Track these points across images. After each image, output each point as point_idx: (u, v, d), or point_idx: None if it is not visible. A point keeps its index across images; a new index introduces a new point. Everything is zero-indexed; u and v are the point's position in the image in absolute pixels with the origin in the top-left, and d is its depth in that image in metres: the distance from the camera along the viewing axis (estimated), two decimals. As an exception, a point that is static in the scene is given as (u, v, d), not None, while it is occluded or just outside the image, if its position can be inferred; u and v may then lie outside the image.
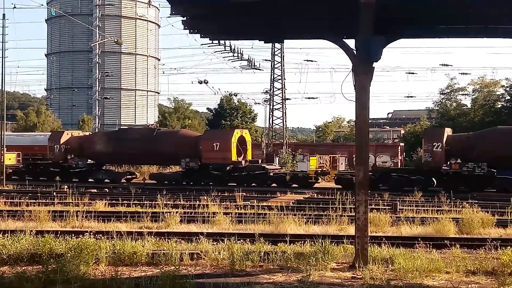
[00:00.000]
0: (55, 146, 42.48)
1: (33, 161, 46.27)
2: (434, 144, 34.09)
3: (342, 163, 41.51)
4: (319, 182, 38.57)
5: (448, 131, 35.87)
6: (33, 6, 62.70)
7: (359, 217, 11.84)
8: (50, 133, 48.82)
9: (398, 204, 23.49)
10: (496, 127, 37.51)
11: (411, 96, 69.01)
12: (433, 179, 34.13)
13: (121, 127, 46.92)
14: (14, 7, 48.22)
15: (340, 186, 34.92)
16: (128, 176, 43.35)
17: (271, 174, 38.40)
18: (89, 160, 42.77)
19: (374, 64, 12.02)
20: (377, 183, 34.30)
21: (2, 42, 39.88)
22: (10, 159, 43.75)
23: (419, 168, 36.02)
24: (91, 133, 51.14)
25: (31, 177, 40.60)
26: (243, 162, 38.68)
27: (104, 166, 43.56)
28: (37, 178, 41.29)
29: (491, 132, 35.76)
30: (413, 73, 65.60)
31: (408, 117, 77.94)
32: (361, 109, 11.92)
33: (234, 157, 37.96)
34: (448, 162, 34.48)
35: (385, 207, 22.64)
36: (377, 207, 22.83)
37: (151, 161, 42.95)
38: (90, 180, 41.46)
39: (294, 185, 37.03)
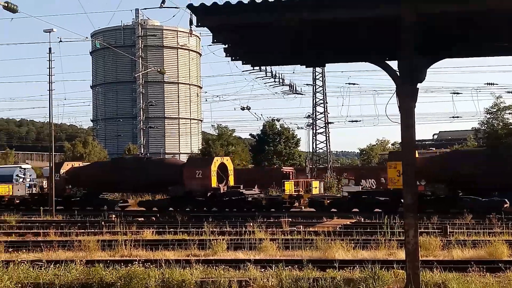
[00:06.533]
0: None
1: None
2: (58, 174, 42.06)
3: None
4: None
5: (72, 164, 45.57)
6: (77, 39, 64.27)
7: (409, 241, 11.58)
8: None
9: (448, 227, 23.00)
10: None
11: (457, 117, 67.50)
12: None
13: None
14: (60, 41, 49.54)
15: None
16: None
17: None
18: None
19: (418, 85, 11.87)
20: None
21: (49, 75, 40.88)
22: None
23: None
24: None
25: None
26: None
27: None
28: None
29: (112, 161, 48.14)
30: (458, 93, 64.73)
31: (455, 138, 76.56)
32: (407, 131, 11.74)
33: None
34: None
35: (434, 230, 22.21)
36: (426, 230, 22.39)
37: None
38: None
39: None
